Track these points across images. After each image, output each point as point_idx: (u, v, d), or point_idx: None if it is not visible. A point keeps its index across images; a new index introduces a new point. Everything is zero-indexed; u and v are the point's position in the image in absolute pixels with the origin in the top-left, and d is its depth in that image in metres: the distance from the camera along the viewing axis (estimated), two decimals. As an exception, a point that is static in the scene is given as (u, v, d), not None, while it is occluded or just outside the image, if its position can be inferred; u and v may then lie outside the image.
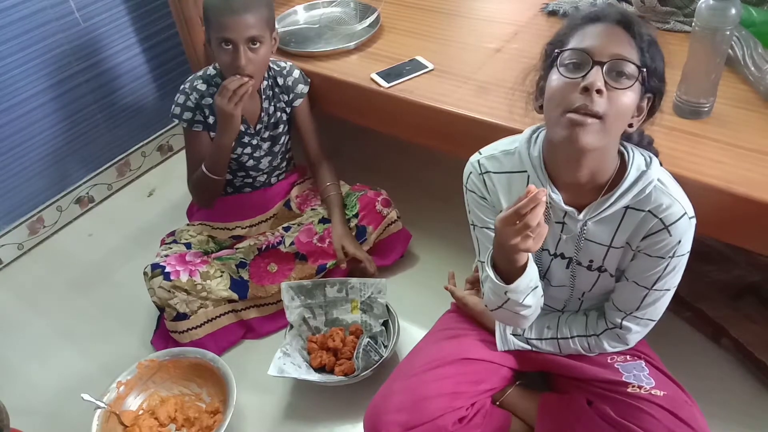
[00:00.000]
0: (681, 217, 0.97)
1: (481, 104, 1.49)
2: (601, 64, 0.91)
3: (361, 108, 1.71)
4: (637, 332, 1.12)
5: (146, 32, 2.14)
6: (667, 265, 1.01)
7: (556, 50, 0.96)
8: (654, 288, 1.05)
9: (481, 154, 1.13)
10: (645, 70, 0.93)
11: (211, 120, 1.61)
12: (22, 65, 1.84)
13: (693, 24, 1.24)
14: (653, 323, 1.12)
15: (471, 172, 1.13)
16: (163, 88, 2.26)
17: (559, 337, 1.18)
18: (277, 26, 1.92)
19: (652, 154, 1.02)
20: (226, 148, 1.56)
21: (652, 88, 0.96)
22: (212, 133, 1.62)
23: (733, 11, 1.18)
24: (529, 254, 0.98)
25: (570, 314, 1.21)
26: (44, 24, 1.86)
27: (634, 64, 0.92)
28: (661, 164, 1.03)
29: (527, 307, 1.04)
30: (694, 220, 1.00)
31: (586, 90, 0.90)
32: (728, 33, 1.21)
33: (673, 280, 1.05)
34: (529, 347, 1.21)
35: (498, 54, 1.68)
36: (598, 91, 0.90)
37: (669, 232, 0.98)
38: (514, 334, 1.22)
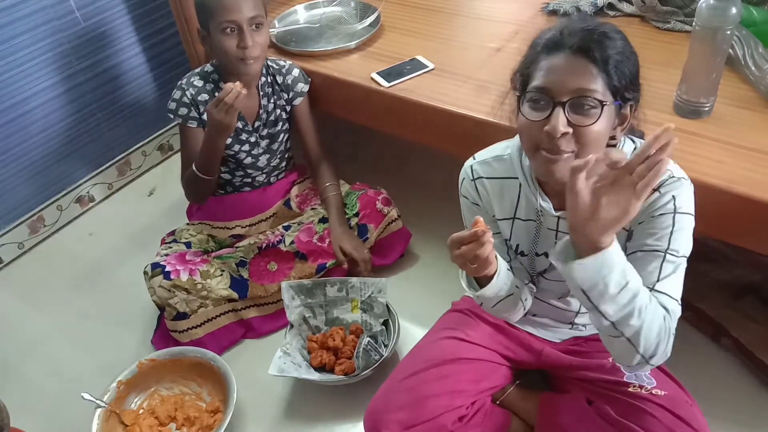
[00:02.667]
0: (668, 178, 0.96)
1: (481, 104, 1.49)
2: (562, 104, 0.89)
3: (361, 107, 1.71)
4: (675, 312, 0.96)
5: (146, 31, 2.14)
6: (671, 222, 0.96)
7: (517, 93, 0.95)
8: (668, 250, 0.96)
9: (474, 159, 1.14)
10: (614, 93, 0.90)
11: (206, 116, 1.61)
12: (22, 64, 1.84)
13: (693, 23, 1.24)
14: (678, 306, 0.97)
15: (464, 178, 1.15)
16: (163, 87, 2.26)
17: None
18: (277, 25, 1.93)
19: (641, 140, 1.02)
20: (218, 151, 1.56)
21: (629, 98, 0.94)
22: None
23: (734, 11, 1.18)
24: (498, 269, 0.99)
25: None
26: (44, 23, 1.86)
27: (595, 98, 0.89)
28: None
29: (500, 311, 1.10)
30: (686, 181, 0.97)
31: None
32: (729, 32, 1.21)
33: (679, 242, 0.96)
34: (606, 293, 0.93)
35: (498, 53, 1.68)
36: (563, 134, 0.89)
37: (659, 191, 0.96)
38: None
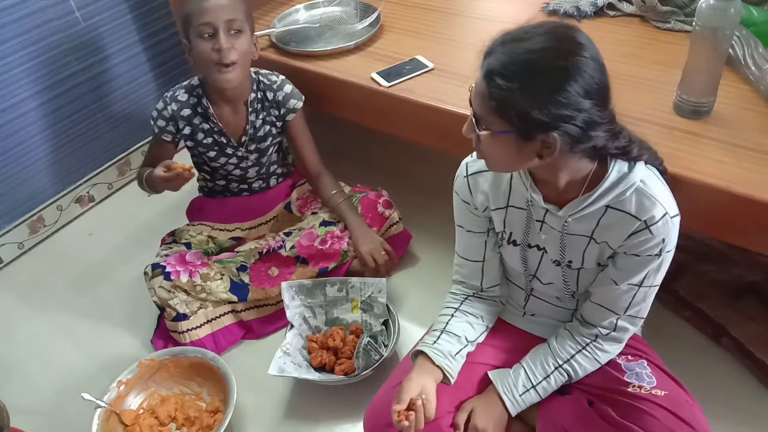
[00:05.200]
0: (662, 217, 0.98)
1: (481, 104, 1.48)
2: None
3: (361, 107, 1.71)
4: (631, 331, 1.13)
5: (146, 31, 2.14)
6: (658, 263, 1.03)
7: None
8: (643, 285, 1.05)
9: (472, 156, 1.15)
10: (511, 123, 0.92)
11: (186, 131, 1.62)
12: (22, 64, 1.84)
13: (693, 23, 1.24)
14: (642, 321, 1.13)
15: (458, 175, 1.17)
16: (163, 87, 2.26)
17: (561, 363, 1.15)
18: (277, 25, 1.93)
19: (642, 160, 1.01)
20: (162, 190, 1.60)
21: (539, 132, 0.91)
22: (182, 143, 1.65)
23: (734, 11, 1.18)
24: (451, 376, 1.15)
25: (556, 334, 1.19)
26: (44, 23, 1.86)
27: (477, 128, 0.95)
28: (646, 164, 1.02)
29: None
30: (677, 219, 1.00)
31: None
32: (729, 32, 1.21)
33: (659, 276, 1.06)
34: (541, 398, 1.16)
35: (498, 53, 1.68)
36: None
37: (651, 231, 0.99)
38: (521, 393, 1.16)
